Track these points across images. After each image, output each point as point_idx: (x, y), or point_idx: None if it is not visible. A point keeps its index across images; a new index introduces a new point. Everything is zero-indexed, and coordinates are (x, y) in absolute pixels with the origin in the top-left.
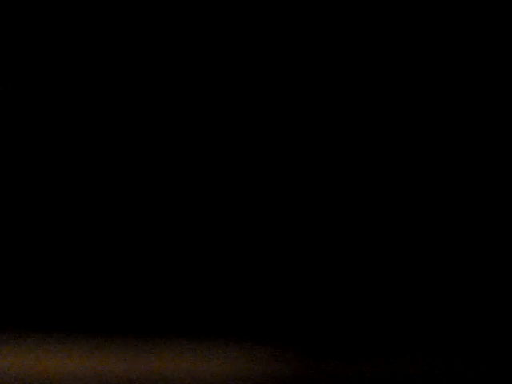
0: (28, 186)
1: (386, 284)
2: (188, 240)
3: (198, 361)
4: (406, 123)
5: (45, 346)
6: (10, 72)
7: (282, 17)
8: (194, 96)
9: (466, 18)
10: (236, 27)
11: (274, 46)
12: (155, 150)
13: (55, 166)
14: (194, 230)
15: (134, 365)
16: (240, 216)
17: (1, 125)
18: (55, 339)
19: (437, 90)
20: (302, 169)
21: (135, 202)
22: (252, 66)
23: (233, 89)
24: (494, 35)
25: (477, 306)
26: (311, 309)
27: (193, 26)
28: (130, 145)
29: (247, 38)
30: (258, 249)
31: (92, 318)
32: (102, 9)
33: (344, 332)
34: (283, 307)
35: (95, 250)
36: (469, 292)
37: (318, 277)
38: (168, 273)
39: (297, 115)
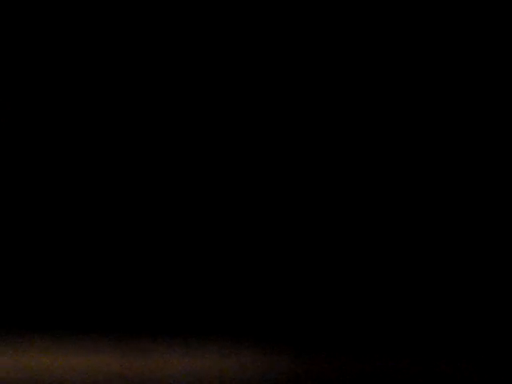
0: (28, 186)
1: (385, 284)
2: (188, 240)
3: (197, 361)
4: (406, 123)
5: (44, 345)
6: (9, 73)
7: (282, 17)
8: (193, 96)
9: (465, 18)
10: (236, 27)
11: (274, 46)
12: (155, 150)
13: (55, 166)
14: (191, 228)
15: (133, 364)
16: (239, 217)
17: (1, 125)
18: (55, 339)
19: (437, 90)
20: (302, 169)
21: (135, 201)
22: (252, 66)
23: (233, 89)
24: (493, 35)
25: (477, 306)
26: (311, 309)
27: (193, 26)
28: (130, 145)
29: (247, 37)
30: (258, 248)
31: (92, 318)
32: (102, 9)
33: (344, 332)
34: (283, 307)
35: (95, 249)
36: (469, 292)
37: (318, 277)
38: (167, 273)
39: (297, 115)
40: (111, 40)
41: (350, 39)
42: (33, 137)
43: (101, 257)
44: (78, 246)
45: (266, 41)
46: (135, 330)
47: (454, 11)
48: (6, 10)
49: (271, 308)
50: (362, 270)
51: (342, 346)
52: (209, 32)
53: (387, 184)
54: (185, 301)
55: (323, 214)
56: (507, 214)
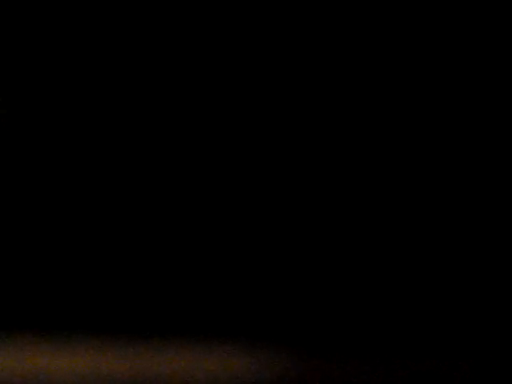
0: (28, 186)
1: (385, 284)
2: (187, 240)
3: (197, 361)
4: (406, 123)
5: (45, 345)
6: (9, 73)
7: (282, 17)
8: (194, 96)
9: (465, 18)
10: (236, 27)
11: (274, 46)
12: (155, 150)
13: (55, 166)
14: (192, 229)
15: (133, 364)
16: (237, 216)
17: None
18: (55, 339)
19: (437, 90)
20: (302, 169)
21: (135, 201)
22: (252, 66)
23: (233, 89)
24: (494, 35)
25: (477, 306)
26: (311, 308)
27: (193, 26)
28: (130, 145)
29: (247, 38)
30: (258, 248)
31: (92, 318)
32: (102, 9)
33: (344, 332)
34: (283, 307)
35: (95, 249)
36: (469, 292)
37: (318, 276)
38: (167, 273)
39: (297, 115)
40: (111, 40)
41: (350, 39)
42: (33, 137)
43: (101, 257)
44: (78, 246)
45: (266, 41)
46: (135, 330)
47: (454, 11)
48: (5, 10)
49: (271, 308)
50: (362, 270)
51: (341, 346)
52: (209, 32)
53: (387, 184)
54: (184, 301)
55: (323, 215)
56: (507, 214)
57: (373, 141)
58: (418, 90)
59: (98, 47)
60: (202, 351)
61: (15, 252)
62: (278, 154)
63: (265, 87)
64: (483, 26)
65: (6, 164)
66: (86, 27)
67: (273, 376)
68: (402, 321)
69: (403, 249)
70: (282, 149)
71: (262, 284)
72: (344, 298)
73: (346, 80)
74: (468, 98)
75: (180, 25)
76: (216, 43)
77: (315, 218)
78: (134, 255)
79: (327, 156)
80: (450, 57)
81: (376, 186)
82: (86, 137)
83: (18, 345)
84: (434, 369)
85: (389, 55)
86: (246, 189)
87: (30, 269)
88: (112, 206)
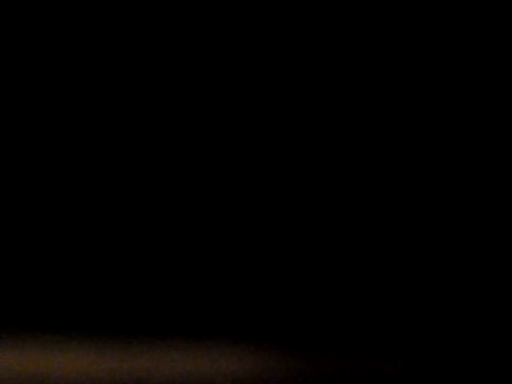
0: (28, 186)
1: (384, 284)
2: (187, 240)
3: (197, 361)
4: (406, 123)
5: (45, 345)
6: (9, 74)
7: (282, 17)
8: (194, 96)
9: (465, 18)
10: (236, 27)
11: (274, 46)
12: (155, 150)
13: (55, 166)
14: (191, 228)
15: (133, 365)
16: (238, 217)
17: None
18: (55, 339)
19: (437, 90)
20: (302, 169)
21: (135, 201)
22: (252, 66)
23: (233, 89)
24: (493, 35)
25: (476, 306)
26: (311, 308)
27: (193, 26)
28: (130, 145)
29: (247, 38)
30: (257, 248)
31: (91, 318)
32: (102, 9)
33: (343, 332)
34: (282, 307)
35: (95, 249)
36: (468, 292)
37: (317, 276)
38: (167, 273)
39: (297, 115)
40: (111, 40)
41: (350, 39)
42: (33, 137)
43: (101, 257)
44: (78, 245)
45: (266, 41)
46: (135, 330)
47: (454, 11)
48: (5, 10)
49: (271, 308)
50: (362, 270)
51: (340, 347)
52: (209, 32)
53: (387, 184)
54: (184, 301)
55: (322, 215)
56: (507, 214)
57: (373, 141)
58: (418, 90)
59: (98, 47)
60: (202, 351)
61: (15, 252)
62: (278, 154)
63: (265, 87)
64: (483, 26)
65: (5, 164)
66: (86, 27)
67: (273, 376)
68: (401, 321)
69: (403, 249)
70: (282, 149)
71: (263, 285)
72: (345, 299)
73: (346, 80)
74: (468, 98)
75: (180, 25)
76: (216, 43)
77: (316, 218)
78: (134, 255)
79: (327, 156)
80: (450, 57)
81: (376, 186)
82: (86, 137)
83: (18, 345)
84: (434, 369)
85: (389, 55)
86: (248, 189)
87: (30, 269)
88: (112, 206)
